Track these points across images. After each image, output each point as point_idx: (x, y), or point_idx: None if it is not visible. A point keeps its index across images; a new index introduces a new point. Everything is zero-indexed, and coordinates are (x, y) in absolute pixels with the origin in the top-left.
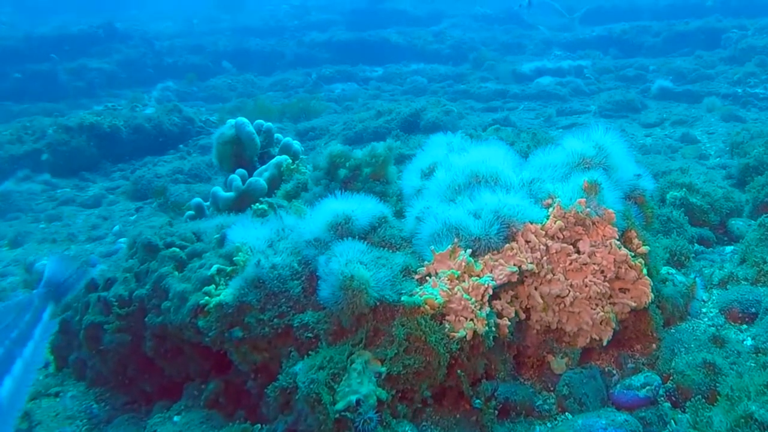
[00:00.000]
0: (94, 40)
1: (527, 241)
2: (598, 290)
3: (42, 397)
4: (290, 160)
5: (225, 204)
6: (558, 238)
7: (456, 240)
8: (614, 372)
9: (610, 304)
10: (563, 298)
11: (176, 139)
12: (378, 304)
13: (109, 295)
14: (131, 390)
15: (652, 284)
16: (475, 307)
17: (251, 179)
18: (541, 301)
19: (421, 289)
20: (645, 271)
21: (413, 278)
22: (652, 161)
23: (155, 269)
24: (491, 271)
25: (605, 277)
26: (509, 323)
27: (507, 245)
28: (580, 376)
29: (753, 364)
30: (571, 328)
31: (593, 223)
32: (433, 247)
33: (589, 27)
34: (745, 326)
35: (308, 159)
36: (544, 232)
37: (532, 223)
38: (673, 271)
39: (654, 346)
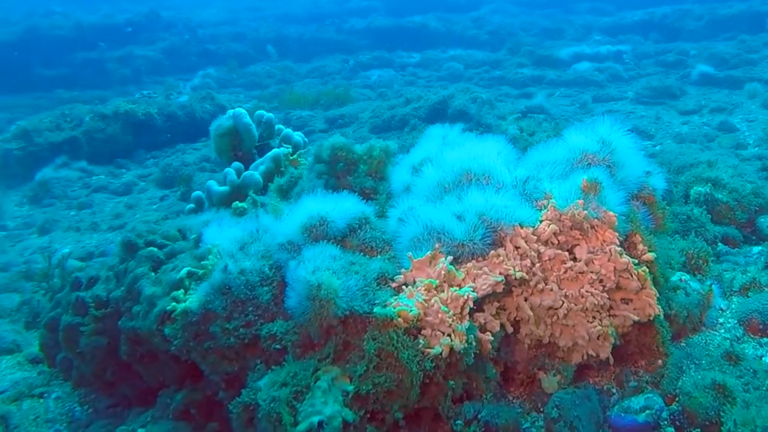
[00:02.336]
0: (140, 28)
1: (516, 247)
2: (596, 302)
3: (25, 398)
4: (290, 152)
5: (219, 198)
6: (552, 243)
7: (437, 245)
8: (614, 391)
9: (609, 316)
10: (556, 309)
11: (208, 127)
12: (348, 315)
13: (87, 296)
14: (114, 392)
15: (659, 294)
16: (453, 320)
17: (246, 173)
18: (530, 313)
19: (395, 300)
20: (650, 279)
21: (390, 286)
22: (682, 151)
23: (132, 269)
24: (474, 281)
25: (604, 287)
26: (492, 338)
27: (493, 252)
28: (572, 396)
29: None
30: (565, 342)
31: (592, 227)
32: (410, 253)
33: (630, 11)
34: (765, 339)
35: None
36: (536, 237)
37: (522, 227)
38: (687, 276)
39: (660, 362)
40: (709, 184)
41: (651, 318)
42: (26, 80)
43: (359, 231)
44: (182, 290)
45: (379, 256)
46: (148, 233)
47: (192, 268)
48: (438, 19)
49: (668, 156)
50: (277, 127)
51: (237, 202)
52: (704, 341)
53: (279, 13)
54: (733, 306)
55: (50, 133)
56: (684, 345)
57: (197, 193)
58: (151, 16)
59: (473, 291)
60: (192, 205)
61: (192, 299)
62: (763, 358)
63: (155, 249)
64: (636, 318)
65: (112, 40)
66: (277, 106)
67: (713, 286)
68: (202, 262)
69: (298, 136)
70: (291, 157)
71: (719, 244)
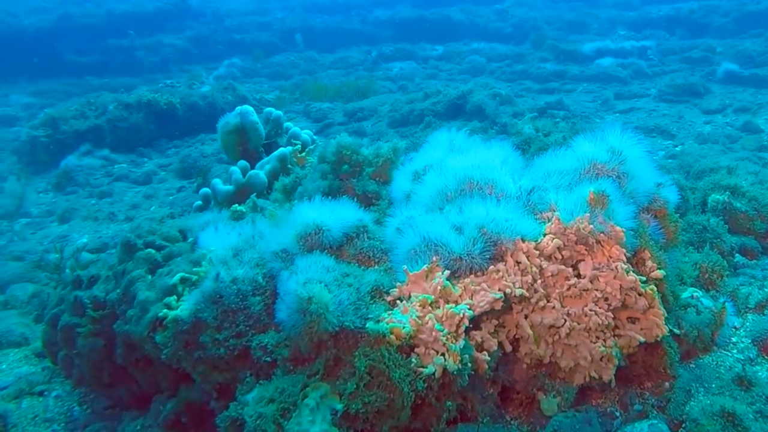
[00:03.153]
0: (169, 16)
1: (517, 262)
2: (600, 321)
3: (25, 396)
4: (298, 149)
5: (224, 198)
6: (556, 258)
7: (434, 258)
8: (617, 414)
9: (614, 336)
10: (558, 328)
11: None
12: (339, 330)
13: (85, 296)
14: (112, 394)
15: (669, 312)
16: (448, 339)
17: (251, 172)
18: (530, 332)
19: (389, 315)
20: (658, 298)
21: (385, 300)
22: (704, 153)
23: (130, 271)
24: (471, 297)
25: (609, 305)
26: (489, 358)
27: (492, 267)
28: (572, 420)
29: None
30: (567, 363)
31: (598, 242)
32: (405, 267)
33: (656, 5)
34: None
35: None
36: (538, 252)
37: (524, 241)
38: (699, 293)
39: (667, 384)
40: (727, 192)
41: (658, 339)
42: (59, 66)
43: (356, 240)
44: (175, 296)
45: (375, 267)
46: (147, 233)
47: (185, 274)
48: (462, 11)
49: (688, 158)
50: (285, 125)
51: (236, 204)
52: (715, 363)
53: (306, 3)
54: (748, 324)
55: (75, 121)
56: (693, 366)
57: (205, 189)
58: (180, 5)
59: (470, 309)
60: (199, 202)
61: (183, 307)
62: None
63: (153, 251)
64: (642, 339)
65: (141, 27)
66: (298, 97)
67: (727, 303)
68: (195, 269)
69: (305, 134)
70: (299, 155)
71: (736, 255)
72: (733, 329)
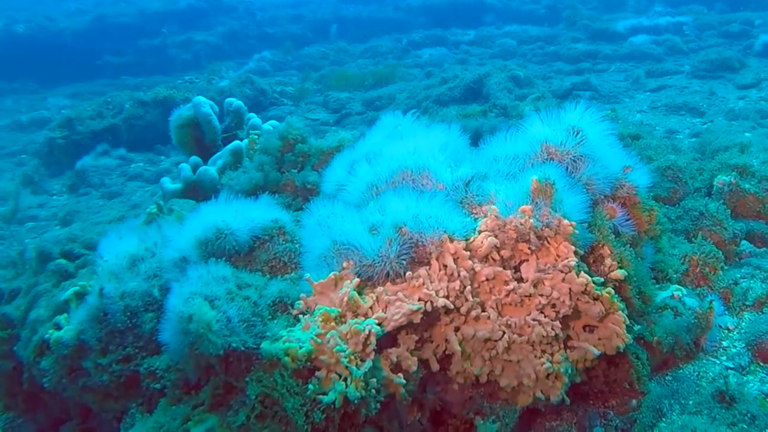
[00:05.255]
0: (201, 13)
1: (444, 266)
2: (544, 332)
3: None
4: (250, 143)
5: (171, 197)
6: (493, 259)
7: (345, 264)
8: None
9: (566, 349)
10: (495, 342)
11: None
12: (229, 352)
13: None
14: (37, 419)
15: (634, 318)
16: (351, 361)
17: (201, 168)
18: (458, 347)
19: (287, 333)
20: (618, 301)
21: (291, 314)
22: (730, 129)
23: (40, 284)
24: (385, 309)
25: (558, 313)
26: (404, 381)
27: (410, 273)
28: None
29: None
30: (508, 381)
31: (543, 239)
32: (308, 276)
33: None
34: None
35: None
36: (468, 253)
37: (452, 241)
38: (684, 290)
39: (634, 402)
40: (734, 173)
41: (620, 349)
42: (95, 68)
43: (269, 243)
44: (66, 315)
45: (287, 275)
46: (68, 241)
47: (79, 288)
48: None
49: (710, 137)
50: (247, 115)
51: (152, 206)
52: (696, 373)
53: None
54: (743, 325)
55: (92, 121)
56: (670, 379)
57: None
58: (212, 1)
59: (379, 324)
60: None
61: (68, 328)
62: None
63: (63, 261)
64: (597, 351)
65: (174, 25)
66: (320, 87)
67: (715, 302)
68: (81, 284)
69: (269, 125)
70: (255, 147)
71: (742, 242)
72: (726, 331)
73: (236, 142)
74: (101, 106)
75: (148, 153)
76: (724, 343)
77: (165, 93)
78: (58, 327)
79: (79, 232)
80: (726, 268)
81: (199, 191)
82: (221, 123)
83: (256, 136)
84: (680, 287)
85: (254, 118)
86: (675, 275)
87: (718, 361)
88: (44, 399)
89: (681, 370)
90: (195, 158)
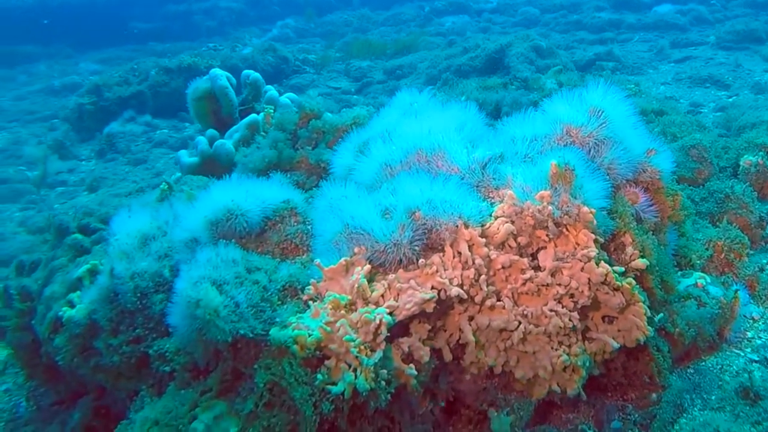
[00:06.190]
0: None
1: (459, 253)
2: (561, 323)
3: None
4: (266, 117)
5: (188, 171)
6: (510, 246)
7: (356, 249)
8: None
9: (584, 340)
10: (511, 332)
11: (270, 79)
12: (238, 338)
13: (11, 286)
14: (58, 389)
15: (655, 309)
16: (361, 351)
17: (218, 142)
18: (471, 338)
19: (297, 320)
20: (639, 292)
21: (301, 299)
22: (757, 104)
23: (57, 258)
24: (397, 297)
25: (576, 303)
26: (416, 372)
27: (423, 260)
28: None
29: None
30: (523, 373)
31: (562, 226)
32: (318, 261)
33: None
34: None
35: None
36: (484, 240)
37: (468, 227)
38: (708, 278)
39: (654, 396)
40: (762, 152)
41: (640, 342)
42: (124, 33)
43: (281, 225)
44: (79, 292)
45: (299, 258)
46: (84, 215)
47: (93, 266)
48: None
49: (735, 111)
50: (264, 88)
51: (164, 183)
52: (719, 366)
53: None
54: None
55: (119, 88)
56: (692, 372)
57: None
58: None
59: (390, 313)
60: (178, 174)
61: (80, 307)
62: None
63: (80, 236)
64: (616, 344)
65: None
66: (342, 56)
67: (740, 291)
68: (92, 262)
69: (285, 98)
70: (271, 120)
71: None
72: (751, 321)
73: (253, 116)
74: (128, 73)
75: (172, 120)
76: (749, 334)
77: (189, 60)
78: (72, 305)
79: (96, 206)
80: (752, 253)
81: (216, 165)
82: (239, 95)
83: (272, 110)
84: (704, 275)
85: (271, 90)
86: (699, 261)
87: (742, 354)
88: (63, 372)
89: (703, 363)
90: (212, 131)
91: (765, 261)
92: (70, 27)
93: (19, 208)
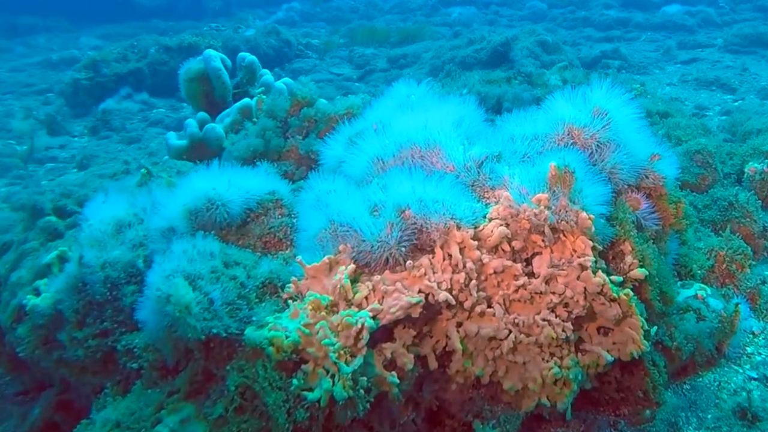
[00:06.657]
0: None
1: (449, 255)
2: (554, 334)
3: None
4: (258, 102)
5: (176, 154)
6: (503, 251)
7: (342, 248)
8: None
9: (577, 352)
10: (500, 341)
11: (272, 62)
12: (211, 336)
13: None
14: (22, 379)
15: (652, 322)
16: (340, 356)
17: (208, 126)
18: (459, 345)
19: (274, 320)
20: (635, 305)
21: (280, 297)
22: (763, 109)
23: (29, 241)
24: (381, 300)
25: (570, 313)
26: (397, 381)
27: (411, 262)
28: None
29: None
30: (512, 384)
31: (559, 232)
32: (299, 258)
33: None
34: None
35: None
36: (476, 242)
37: (460, 228)
38: (708, 290)
39: (648, 413)
40: (767, 160)
41: (635, 356)
42: (128, 9)
43: (265, 217)
44: (47, 279)
45: (280, 254)
46: (62, 196)
47: (63, 253)
48: None
49: (741, 116)
50: (260, 71)
51: (147, 167)
52: (717, 383)
53: None
54: None
55: (117, 64)
56: (688, 388)
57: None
58: None
59: (373, 317)
60: (166, 157)
61: (45, 295)
62: None
63: (54, 219)
64: (610, 358)
65: None
66: (346, 42)
67: (740, 305)
68: (61, 249)
69: (281, 83)
70: (262, 106)
71: None
72: (751, 335)
73: (246, 100)
74: (126, 50)
75: (170, 99)
76: (749, 350)
77: (190, 40)
78: (37, 293)
79: (76, 187)
80: (754, 264)
81: (205, 149)
82: (233, 78)
83: (264, 96)
84: (704, 286)
85: (267, 74)
86: (699, 271)
87: (741, 370)
88: (26, 363)
89: (700, 379)
90: (202, 114)
91: (767, 273)
92: (74, 0)
93: (5, 183)
